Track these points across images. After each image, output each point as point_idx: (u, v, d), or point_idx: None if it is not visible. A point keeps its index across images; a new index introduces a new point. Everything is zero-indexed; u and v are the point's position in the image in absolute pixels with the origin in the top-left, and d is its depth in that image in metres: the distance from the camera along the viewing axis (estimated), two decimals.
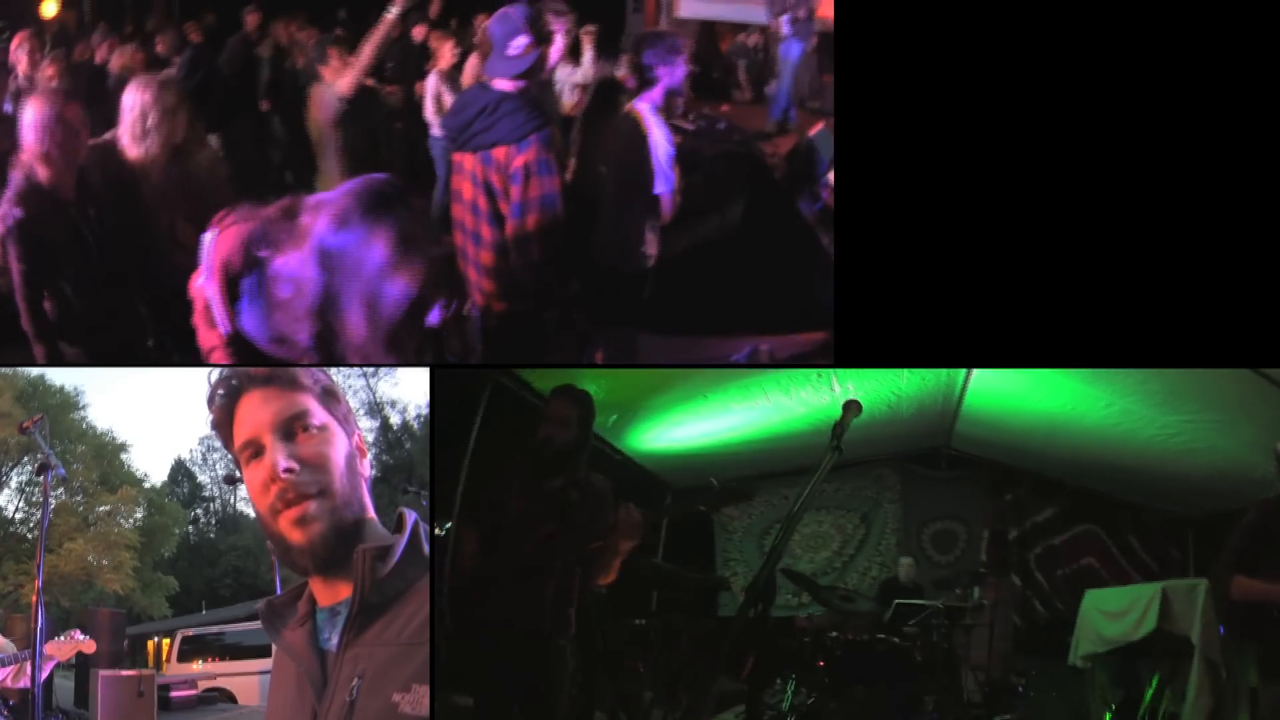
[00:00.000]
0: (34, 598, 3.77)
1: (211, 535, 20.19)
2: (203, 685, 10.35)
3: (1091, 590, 5.67)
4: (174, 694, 9.58)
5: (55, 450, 3.83)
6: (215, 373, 1.76)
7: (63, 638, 4.81)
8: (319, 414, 1.69)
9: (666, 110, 4.96)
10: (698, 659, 5.66)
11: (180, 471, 20.75)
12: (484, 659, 3.53)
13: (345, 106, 5.49)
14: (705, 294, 5.23)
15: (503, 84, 4.34)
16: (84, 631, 4.99)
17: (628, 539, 3.79)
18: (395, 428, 17.46)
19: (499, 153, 4.29)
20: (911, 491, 7.71)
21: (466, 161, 4.42)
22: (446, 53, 6.69)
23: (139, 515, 15.27)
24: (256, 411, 1.67)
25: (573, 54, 6.28)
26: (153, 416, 28.81)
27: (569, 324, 4.85)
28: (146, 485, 15.92)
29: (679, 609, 6.18)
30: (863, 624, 6.07)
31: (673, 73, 4.85)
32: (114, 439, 15.37)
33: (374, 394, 17.49)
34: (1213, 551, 4.63)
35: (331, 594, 1.69)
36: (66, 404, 14.78)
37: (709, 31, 8.01)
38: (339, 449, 1.69)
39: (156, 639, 13.19)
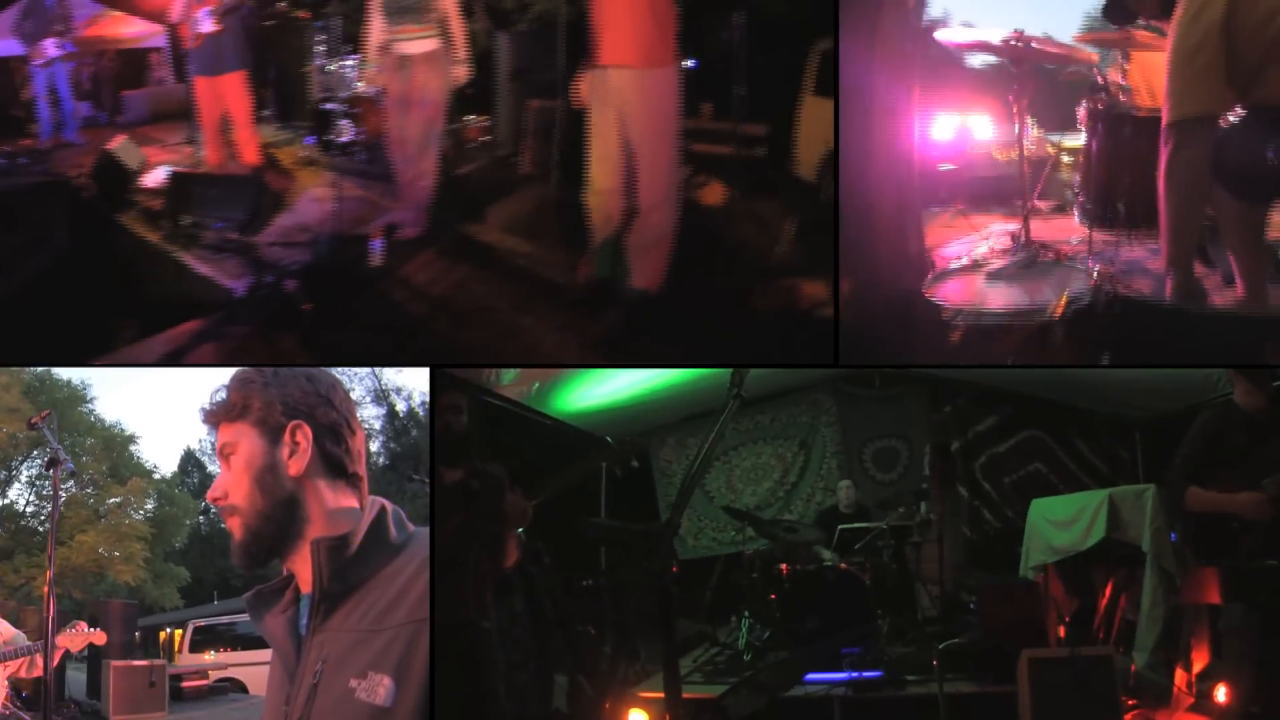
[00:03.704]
0: (45, 590, 3.63)
1: (223, 525, 19.39)
2: (214, 675, 9.90)
3: (1037, 499, 5.31)
4: (185, 684, 9.28)
5: (64, 444, 3.45)
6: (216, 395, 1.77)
7: (70, 629, 4.58)
8: (243, 439, 1.69)
9: None
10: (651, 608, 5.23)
11: (190, 462, 20.11)
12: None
13: None
14: (54, 320, 5.07)
15: None
16: (95, 623, 4.79)
17: (517, 524, 3.64)
18: (401, 415, 16.87)
19: None
20: (848, 413, 7.30)
21: None
22: None
23: (149, 506, 14.74)
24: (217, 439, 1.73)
25: None
26: (161, 408, 28.20)
27: None
28: (156, 476, 15.24)
29: (628, 563, 5.69)
30: (810, 554, 5.68)
31: None
32: (123, 431, 14.68)
33: (379, 381, 16.88)
34: (1162, 451, 4.11)
35: (309, 582, 1.65)
36: (74, 397, 14.17)
37: (3, 68, 7.50)
38: (251, 463, 1.67)
39: (169, 630, 12.77)
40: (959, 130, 6.28)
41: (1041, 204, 5.79)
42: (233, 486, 1.67)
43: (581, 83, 4.68)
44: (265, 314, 4.95)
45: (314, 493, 1.67)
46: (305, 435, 1.67)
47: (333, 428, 1.70)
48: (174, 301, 5.25)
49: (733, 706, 4.34)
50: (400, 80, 5.44)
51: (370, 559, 1.62)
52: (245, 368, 1.76)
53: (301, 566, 1.67)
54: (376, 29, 5.48)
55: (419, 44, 5.37)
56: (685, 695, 3.78)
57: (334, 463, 1.70)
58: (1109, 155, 4.39)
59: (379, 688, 1.49)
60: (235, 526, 1.68)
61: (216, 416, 1.71)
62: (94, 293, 5.34)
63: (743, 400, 2.70)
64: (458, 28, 5.41)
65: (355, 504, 1.71)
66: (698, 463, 2.74)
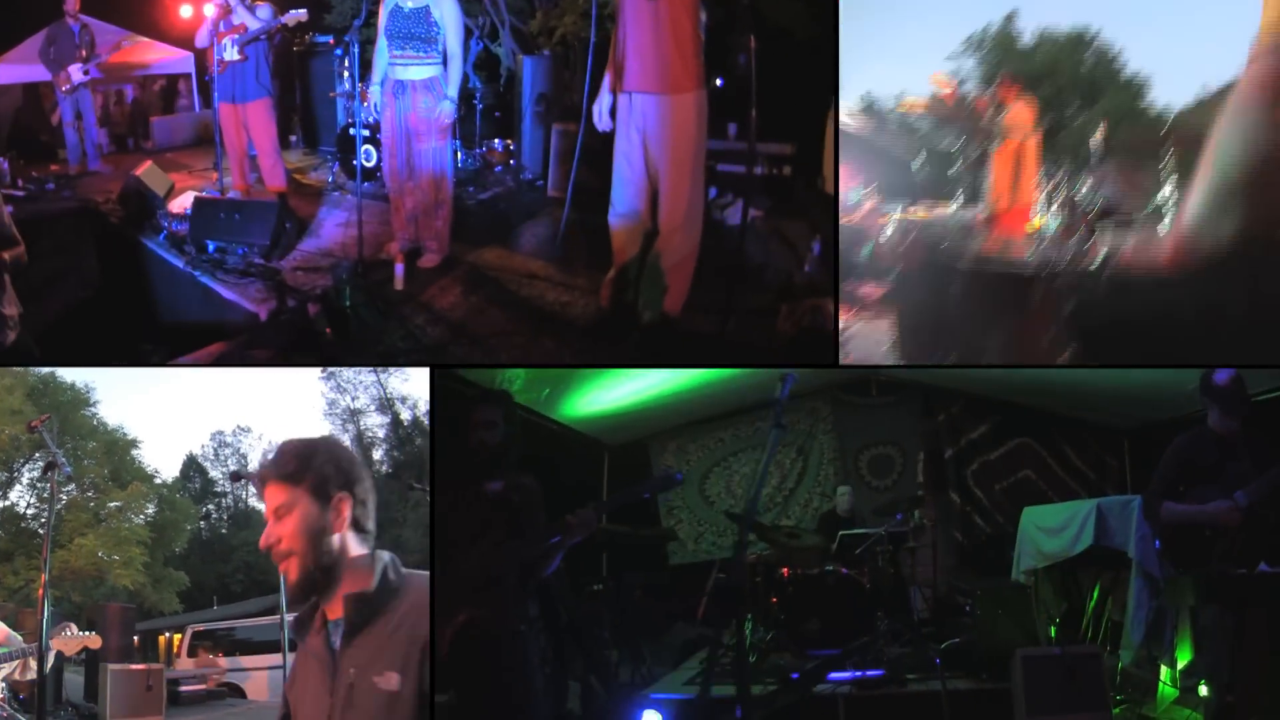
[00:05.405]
0: (39, 592, 3.67)
1: (223, 531, 19.38)
2: (212, 680, 9.88)
3: (1029, 507, 5.37)
4: (183, 689, 9.26)
5: (66, 447, 3.46)
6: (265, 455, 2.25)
7: (67, 632, 4.51)
8: (297, 503, 2.04)
9: None
10: (653, 611, 5.45)
11: (191, 467, 19.97)
12: (458, 659, 3.35)
13: None
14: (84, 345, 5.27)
15: None
16: (93, 626, 4.73)
17: (584, 535, 3.52)
18: (405, 424, 16.70)
19: None
20: (844, 420, 7.29)
21: None
22: None
23: (150, 511, 14.44)
24: (267, 499, 2.07)
25: None
26: (164, 412, 27.73)
27: None
28: (157, 481, 14.94)
29: (631, 567, 5.66)
30: (810, 557, 5.65)
31: None
32: (125, 435, 14.28)
33: (384, 389, 16.68)
34: (1149, 459, 4.34)
35: (335, 610, 2.09)
36: (77, 400, 13.77)
37: (33, 94, 7.42)
38: (308, 524, 2.04)
39: (167, 634, 12.56)
40: None
41: None
42: (288, 539, 2.04)
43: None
44: (287, 338, 4.93)
45: (345, 549, 2.07)
46: (347, 506, 2.06)
47: (364, 498, 2.10)
48: (200, 325, 5.25)
49: (775, 704, 4.42)
50: (398, 108, 5.26)
51: (380, 601, 2.07)
52: (296, 439, 2.09)
53: (333, 603, 2.09)
54: (380, 53, 5.30)
55: (418, 70, 5.18)
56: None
57: (358, 524, 2.09)
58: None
59: (391, 680, 2.00)
60: (291, 567, 2.04)
61: (272, 477, 2.06)
62: (121, 315, 5.35)
63: (782, 429, 2.88)
64: (456, 67, 5.22)
65: (367, 552, 2.11)
66: (754, 491, 2.83)
